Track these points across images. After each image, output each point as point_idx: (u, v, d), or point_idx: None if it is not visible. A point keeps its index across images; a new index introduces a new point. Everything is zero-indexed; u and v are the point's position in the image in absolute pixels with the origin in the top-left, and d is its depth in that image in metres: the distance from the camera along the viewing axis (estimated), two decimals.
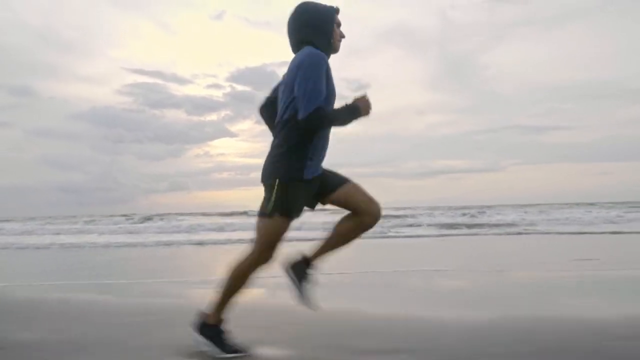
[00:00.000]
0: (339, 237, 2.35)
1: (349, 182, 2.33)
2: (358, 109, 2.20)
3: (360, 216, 2.30)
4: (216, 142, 59.76)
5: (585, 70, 53.60)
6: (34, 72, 54.28)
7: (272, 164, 2.22)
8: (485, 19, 50.60)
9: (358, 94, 2.24)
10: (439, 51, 53.09)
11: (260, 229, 2.25)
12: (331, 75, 2.21)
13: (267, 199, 2.22)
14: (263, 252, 2.25)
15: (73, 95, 56.03)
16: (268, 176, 2.22)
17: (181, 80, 55.03)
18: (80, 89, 55.37)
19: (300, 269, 2.36)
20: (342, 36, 2.35)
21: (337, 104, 2.26)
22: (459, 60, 53.58)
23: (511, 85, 57.10)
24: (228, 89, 52.19)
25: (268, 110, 2.45)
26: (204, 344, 2.31)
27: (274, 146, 2.24)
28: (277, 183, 2.17)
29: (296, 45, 2.29)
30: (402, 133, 59.85)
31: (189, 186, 58.27)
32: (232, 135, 59.42)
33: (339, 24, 2.33)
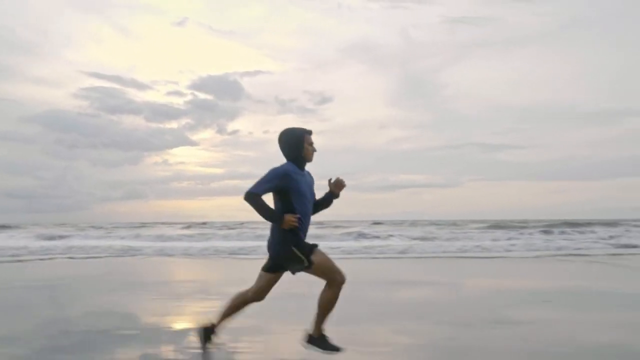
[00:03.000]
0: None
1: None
2: (279, 220, 3.04)
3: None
4: (176, 151, 58.69)
5: (540, 92, 56.36)
6: None
7: (283, 244, 3.05)
8: (445, 39, 52.35)
9: (288, 217, 3.04)
10: (401, 68, 54.50)
11: (319, 274, 3.05)
12: (299, 180, 3.11)
13: (299, 262, 3.01)
14: (335, 274, 3.06)
15: (26, 97, 53.54)
16: (286, 252, 3.03)
17: (141, 86, 53.94)
18: (34, 91, 52.95)
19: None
20: (314, 150, 3.24)
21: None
22: (420, 78, 55.10)
23: (469, 103, 59.18)
24: (189, 97, 51.56)
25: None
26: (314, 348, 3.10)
27: (275, 231, 3.09)
28: (295, 250, 3.01)
29: (284, 157, 3.19)
30: (364, 147, 60.82)
31: (146, 194, 56.93)
32: (192, 143, 58.63)
33: (310, 143, 3.21)
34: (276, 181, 3.05)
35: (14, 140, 52.75)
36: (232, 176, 62.81)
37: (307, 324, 3.10)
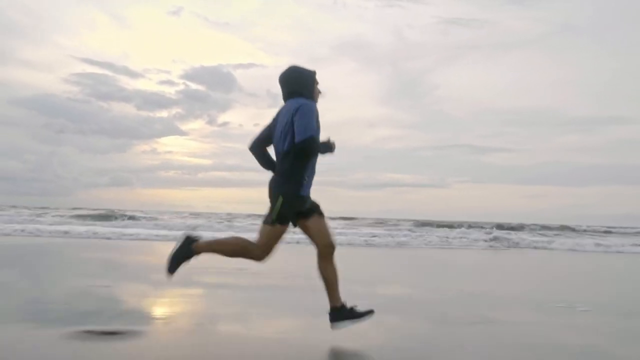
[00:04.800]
0: (329, 280, 2.93)
1: (317, 214, 2.90)
2: (330, 146, 2.85)
3: (320, 252, 2.91)
4: (165, 140, 58.21)
5: (530, 97, 56.95)
6: None
7: (278, 183, 2.83)
8: (438, 40, 52.57)
9: (327, 138, 2.87)
10: (393, 67, 54.55)
11: (263, 234, 2.86)
12: (319, 119, 2.89)
13: (271, 209, 2.81)
14: (263, 252, 2.88)
15: (15, 80, 52.40)
16: (274, 193, 2.81)
17: (132, 74, 53.23)
18: (23, 74, 51.93)
19: (345, 314, 2.94)
20: (320, 92, 3.02)
21: None
22: (411, 78, 55.20)
23: (459, 105, 59.53)
24: (181, 87, 51.03)
25: (259, 147, 3.02)
26: (179, 249, 2.93)
27: (278, 170, 2.86)
28: (280, 199, 2.77)
29: (288, 94, 2.93)
30: (352, 144, 60.78)
31: (132, 182, 56.45)
32: (182, 133, 58.25)
33: (317, 83, 2.99)
34: (316, 114, 2.80)
35: (2, 123, 51.81)
36: (219, 168, 62.63)
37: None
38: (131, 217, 23.07)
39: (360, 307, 2.98)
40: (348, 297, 3.04)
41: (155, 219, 23.50)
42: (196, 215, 30.15)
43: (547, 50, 52.66)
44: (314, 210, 2.91)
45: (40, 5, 47.24)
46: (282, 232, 2.85)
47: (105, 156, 56.54)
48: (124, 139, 56.78)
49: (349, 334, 3.08)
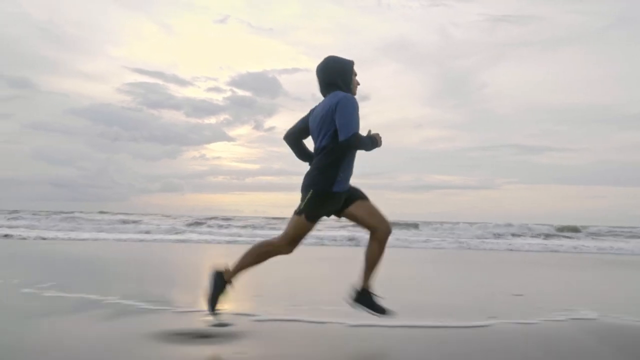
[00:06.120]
0: (372, 262, 2.93)
1: (360, 199, 2.90)
2: (376, 140, 2.84)
3: (372, 234, 2.90)
4: (213, 146, 59.59)
5: (583, 93, 54.30)
6: (34, 66, 52.97)
7: (311, 177, 2.81)
8: (484, 38, 51.09)
9: (372, 132, 2.87)
10: (438, 67, 53.47)
11: (290, 224, 2.84)
12: (358, 113, 2.82)
13: (301, 201, 2.80)
14: (289, 245, 2.86)
15: (72, 91, 54.99)
16: (306, 187, 2.81)
17: (182, 82, 54.94)
18: (79, 85, 54.75)
19: (366, 299, 2.96)
20: (358, 83, 2.96)
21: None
22: (458, 77, 53.83)
23: (508, 104, 57.46)
24: (228, 93, 52.11)
25: (293, 138, 3.03)
26: (212, 287, 2.91)
27: (313, 165, 2.85)
28: (311, 192, 2.76)
29: (325, 87, 2.89)
30: (399, 146, 59.98)
31: (182, 188, 58.33)
32: (229, 139, 59.36)
33: (355, 74, 2.94)
34: (357, 107, 2.73)
35: (60, 133, 54.96)
36: (266, 172, 63.67)
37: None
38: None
39: (384, 304, 3.01)
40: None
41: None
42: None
43: (600, 45, 50.02)
44: (356, 196, 2.90)
45: (93, 18, 49.79)
46: (309, 228, 2.82)
47: (157, 162, 58.72)
48: (174, 146, 58.68)
49: (393, 336, 3.10)
